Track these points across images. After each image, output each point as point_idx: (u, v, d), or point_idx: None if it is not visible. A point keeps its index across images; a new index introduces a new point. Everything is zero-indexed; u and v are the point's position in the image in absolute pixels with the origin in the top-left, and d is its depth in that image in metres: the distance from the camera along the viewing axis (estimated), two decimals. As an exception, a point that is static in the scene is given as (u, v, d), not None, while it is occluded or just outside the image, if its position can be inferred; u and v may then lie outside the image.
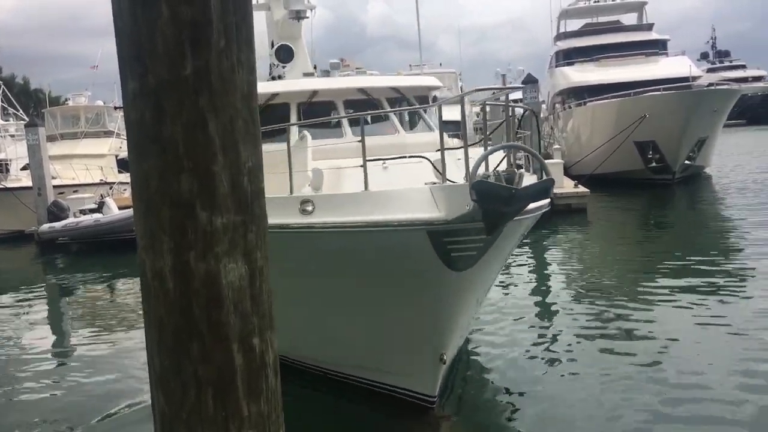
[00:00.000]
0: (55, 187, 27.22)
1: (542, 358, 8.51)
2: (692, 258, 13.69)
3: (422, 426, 6.85)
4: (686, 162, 27.21)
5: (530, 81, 25.38)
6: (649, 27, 39.20)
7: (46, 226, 24.36)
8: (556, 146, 30.37)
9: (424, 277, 6.17)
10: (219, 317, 2.16)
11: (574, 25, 42.93)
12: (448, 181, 6.32)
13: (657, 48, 36.83)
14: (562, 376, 7.83)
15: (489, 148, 5.64)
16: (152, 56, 2.09)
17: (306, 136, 8.22)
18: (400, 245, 6.00)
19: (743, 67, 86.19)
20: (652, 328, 9.22)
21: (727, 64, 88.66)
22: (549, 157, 25.85)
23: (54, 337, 12.28)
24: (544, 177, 5.38)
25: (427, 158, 7.33)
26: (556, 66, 38.79)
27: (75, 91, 40.09)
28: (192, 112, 2.10)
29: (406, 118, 10.02)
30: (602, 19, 42.09)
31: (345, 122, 9.05)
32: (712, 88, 29.10)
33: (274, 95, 9.36)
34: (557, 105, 38.39)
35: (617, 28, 39.96)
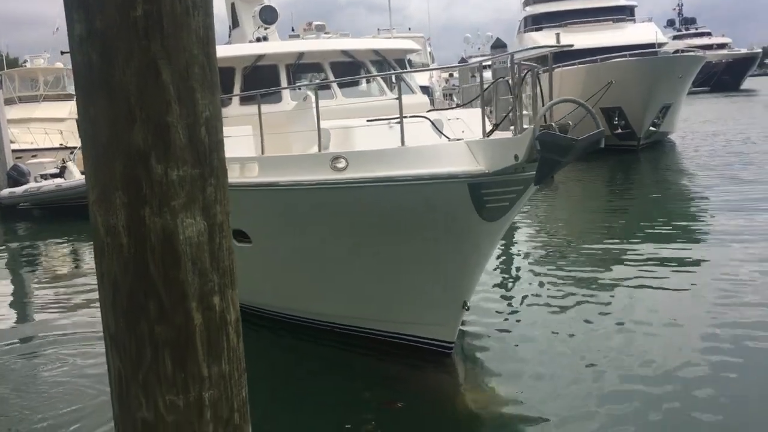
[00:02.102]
0: (13, 151, 26.44)
1: (517, 313, 8.89)
2: (655, 221, 13.92)
3: (443, 371, 7.17)
4: (651, 128, 27.48)
5: (499, 46, 25.25)
6: (618, -7, 39.23)
7: (5, 191, 23.69)
8: (525, 112, 30.36)
9: (458, 228, 6.53)
10: (176, 275, 2.07)
11: (543, -10, 42.76)
12: (444, 137, 7.02)
13: (624, 14, 36.94)
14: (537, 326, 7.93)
15: (547, 102, 5.81)
16: (100, -3, 1.95)
17: (309, 96, 8.23)
18: (438, 198, 6.28)
19: (708, 34, 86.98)
20: (617, 292, 9.38)
21: (692, 31, 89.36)
22: (497, 124, 25.73)
23: (16, 304, 12.00)
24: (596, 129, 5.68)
25: (427, 117, 7.58)
26: (525, 31, 38.71)
27: (33, 54, 38.78)
28: (143, 57, 1.97)
29: (392, 80, 10.17)
30: (571, -16, 41.98)
31: (335, 84, 9.22)
32: (678, 54, 29.33)
33: (261, 56, 9.38)
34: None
35: (586, -7, 39.92)
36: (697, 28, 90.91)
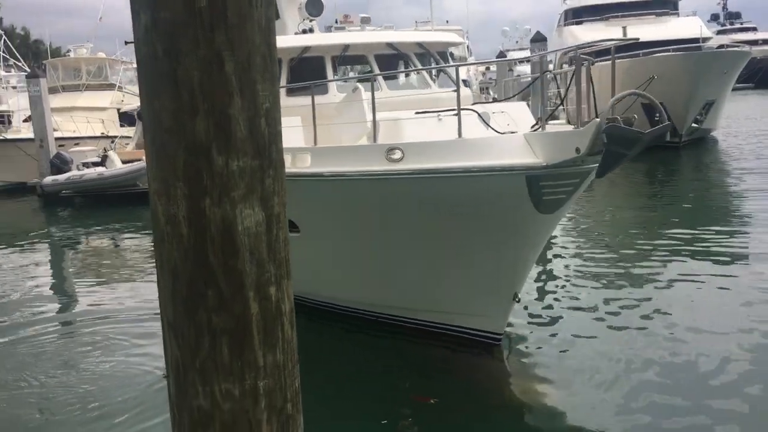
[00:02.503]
0: (56, 139, 27.02)
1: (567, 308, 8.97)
2: (697, 220, 13.76)
3: (491, 361, 7.30)
4: (693, 125, 26.91)
5: (539, 39, 25.01)
6: (661, -14, 38.42)
7: (49, 179, 24.24)
8: (563, 107, 30.00)
9: (514, 220, 6.58)
10: (235, 264, 2.09)
11: (584, -17, 42.11)
12: (491, 130, 7.14)
13: (668, 8, 36.21)
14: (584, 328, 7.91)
15: (615, 95, 5.85)
16: (166, -12, 1.97)
17: (359, 88, 8.39)
18: (495, 190, 6.33)
19: (754, 29, 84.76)
20: (661, 290, 9.34)
21: (737, 26, 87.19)
22: (555, 118, 25.52)
23: (58, 291, 12.29)
24: (663, 123, 5.89)
25: (475, 110, 7.64)
26: (565, 25, 38.21)
27: (76, 43, 39.52)
28: (207, 49, 1.99)
29: (434, 73, 10.28)
30: (613, -23, 41.24)
31: (380, 77, 9.27)
32: (722, 50, 28.64)
33: (307, 48, 9.51)
34: (565, 65, 37.89)
35: (628, -14, 39.18)
36: (742, 23, 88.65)
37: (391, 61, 10.17)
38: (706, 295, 9.03)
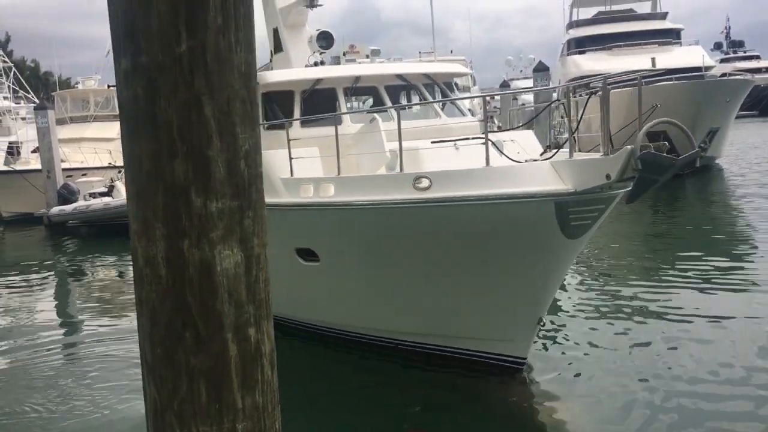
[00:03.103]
0: (63, 170, 27.24)
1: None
2: (704, 249, 13.67)
3: (515, 386, 7.32)
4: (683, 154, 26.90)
5: (541, 69, 25.18)
6: (663, 16, 38.76)
7: (56, 209, 24.41)
8: (566, 135, 30.12)
9: (541, 246, 6.66)
10: (213, 306, 2.09)
11: (587, 13, 42.53)
12: (505, 157, 7.28)
13: (671, 37, 36.45)
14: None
15: (647, 124, 5.99)
16: (146, 34, 2.01)
17: (376, 119, 8.58)
18: (524, 216, 6.42)
19: (757, 57, 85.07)
20: (664, 323, 9.31)
21: (740, 54, 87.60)
22: (558, 146, 25.61)
23: (63, 320, 12.30)
24: (692, 150, 6.03)
25: (490, 139, 7.76)
26: (568, 54, 38.46)
27: (85, 75, 40.02)
28: (186, 93, 2.02)
29: (441, 103, 10.59)
30: (615, 7, 41.66)
31: (392, 108, 9.47)
32: (725, 78, 28.77)
33: (319, 80, 9.73)
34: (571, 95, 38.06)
35: (630, 16, 39.55)
36: (745, 51, 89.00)
37: (400, 91, 10.42)
38: (719, 324, 9.03)
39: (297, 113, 9.48)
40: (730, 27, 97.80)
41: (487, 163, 6.73)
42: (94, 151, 30.85)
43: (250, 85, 2.14)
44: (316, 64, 10.97)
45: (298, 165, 8.28)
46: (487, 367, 7.60)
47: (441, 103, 10.44)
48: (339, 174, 7.81)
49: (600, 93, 6.81)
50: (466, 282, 7.25)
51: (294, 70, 10.60)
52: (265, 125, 9.64)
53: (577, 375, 7.57)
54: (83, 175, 28.33)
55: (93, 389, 8.07)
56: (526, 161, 7.45)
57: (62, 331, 11.29)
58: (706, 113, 25.16)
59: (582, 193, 6.15)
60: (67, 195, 25.00)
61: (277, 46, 11.81)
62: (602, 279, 11.85)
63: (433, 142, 7.88)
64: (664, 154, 5.66)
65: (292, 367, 8.77)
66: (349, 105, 10.56)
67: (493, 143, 7.62)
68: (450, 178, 6.76)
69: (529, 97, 34.29)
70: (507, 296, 7.13)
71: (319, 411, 7.24)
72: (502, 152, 7.54)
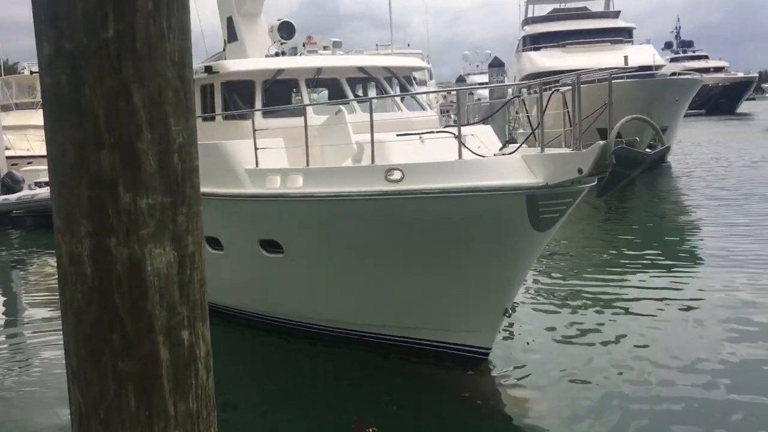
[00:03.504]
0: (8, 158, 26.32)
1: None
2: (651, 241, 14.26)
3: (479, 377, 7.45)
4: (647, 150, 27.49)
5: (496, 64, 25.35)
6: (616, 15, 39.45)
7: (-1, 198, 23.56)
8: (521, 131, 30.46)
9: (510, 238, 6.76)
10: (143, 307, 1.98)
11: (542, 10, 43.02)
12: (469, 151, 7.28)
13: (622, 36, 37.11)
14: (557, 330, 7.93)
15: (620, 121, 6.17)
16: (70, 17, 1.88)
17: (342, 111, 8.55)
18: (495, 208, 6.51)
19: (705, 57, 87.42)
20: (627, 309, 9.70)
21: (690, 54, 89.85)
22: (514, 141, 25.86)
23: (5, 312, 11.85)
24: (660, 146, 6.39)
25: (453, 133, 7.80)
26: (523, 50, 38.84)
27: (32, 60, 38.70)
28: (114, 80, 1.89)
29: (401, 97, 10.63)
30: (570, 5, 42.25)
31: (353, 101, 9.57)
32: (675, 77, 29.42)
33: (280, 71, 9.63)
34: (523, 90, 38.49)
35: (584, 14, 40.14)
36: (694, 51, 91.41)
37: (361, 84, 10.47)
38: (669, 310, 9.50)
39: (258, 103, 9.37)
40: (680, 27, 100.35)
41: (460, 156, 6.82)
42: (41, 139, 29.88)
43: (185, 74, 2.02)
44: (277, 54, 10.85)
45: (262, 156, 8.19)
46: (452, 358, 7.68)
47: (401, 97, 10.48)
48: (308, 165, 7.76)
49: (562, 90, 6.96)
50: (434, 273, 7.31)
51: (255, 59, 10.46)
52: (224, 115, 9.53)
53: (540, 363, 7.77)
54: (29, 163, 27.38)
55: (17, 393, 7.75)
56: (495, 155, 7.59)
57: (2, 324, 10.87)
58: (655, 112, 25.67)
59: (553, 187, 6.29)
60: (11, 184, 24.12)
61: (231, 36, 11.56)
62: (562, 272, 12.12)
63: (398, 135, 7.90)
64: (638, 150, 5.91)
65: (255, 360, 8.67)
66: (312, 96, 10.46)
67: (456, 137, 7.63)
68: (422, 171, 6.82)
69: (484, 93, 34.50)
70: (474, 287, 7.21)
71: (280, 404, 7.20)
72: (465, 146, 7.57)
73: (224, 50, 11.78)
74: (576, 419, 6.43)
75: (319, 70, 9.91)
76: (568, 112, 7.07)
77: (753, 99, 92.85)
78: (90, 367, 2.00)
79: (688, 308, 9.47)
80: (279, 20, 11.05)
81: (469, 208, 6.60)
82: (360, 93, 10.69)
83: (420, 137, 7.95)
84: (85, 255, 1.95)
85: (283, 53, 10.95)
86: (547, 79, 9.26)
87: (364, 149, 7.76)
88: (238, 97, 9.59)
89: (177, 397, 2.03)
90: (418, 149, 7.66)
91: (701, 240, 14.55)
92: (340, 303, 8.18)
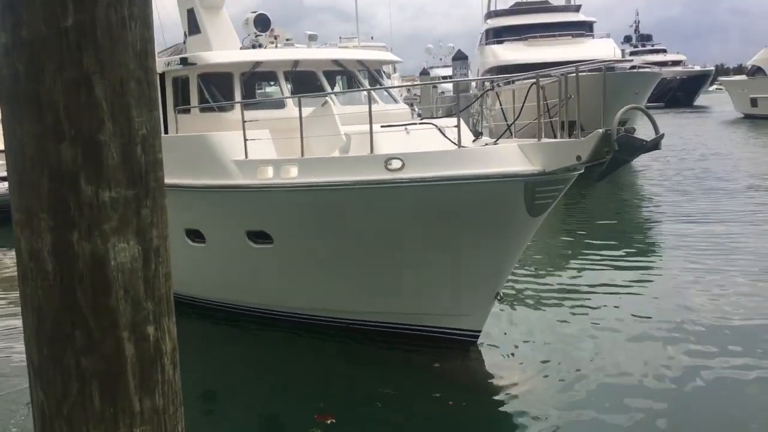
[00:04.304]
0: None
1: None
2: (610, 231, 14.82)
3: (470, 357, 7.71)
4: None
5: (460, 57, 25.47)
6: (577, 8, 39.95)
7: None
8: (485, 124, 30.66)
9: (505, 223, 7.02)
10: (107, 303, 1.93)
11: (505, 3, 43.32)
12: (449, 141, 7.51)
13: (583, 29, 37.61)
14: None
15: (621, 109, 6.53)
16: (28, 5, 1.82)
17: (328, 102, 8.63)
18: (494, 195, 6.75)
19: (664, 51, 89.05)
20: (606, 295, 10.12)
21: (649, 47, 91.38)
22: (478, 134, 26.02)
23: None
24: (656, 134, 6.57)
25: (435, 125, 8.18)
26: (486, 44, 39.10)
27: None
28: (74, 71, 1.84)
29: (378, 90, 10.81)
30: (532, -2, 42.57)
31: (334, 94, 9.75)
32: (634, 71, 29.89)
33: (258, 63, 9.76)
34: (486, 83, 38.74)
35: (546, 8, 40.56)
36: (653, 45, 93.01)
37: (336, 76, 10.64)
38: (656, 289, 10.15)
39: (238, 95, 9.47)
40: (639, 21, 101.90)
41: (459, 144, 7.08)
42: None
43: (147, 64, 1.98)
44: (254, 46, 10.86)
45: (250, 147, 8.24)
46: (443, 341, 7.88)
47: (379, 91, 10.65)
48: (303, 156, 7.82)
49: (544, 83, 7.32)
50: (429, 260, 7.48)
51: (233, 51, 10.49)
52: (201, 108, 9.54)
53: (528, 344, 8.09)
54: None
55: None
56: (508, 143, 7.80)
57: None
58: (615, 104, 26.07)
59: (551, 174, 6.58)
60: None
61: (193, 28, 11.36)
62: (548, 256, 12.76)
63: (382, 126, 8.00)
64: (638, 137, 6.25)
65: (241, 353, 8.63)
66: (290, 88, 10.45)
67: (438, 128, 7.98)
68: (422, 160, 7.02)
69: (448, 86, 34.63)
70: (468, 272, 7.42)
71: (268, 394, 7.30)
72: (446, 136, 7.86)
73: (184, 42, 11.58)
74: (565, 401, 6.68)
75: (296, 62, 10.04)
76: (546, 104, 7.45)
77: (711, 92, 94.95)
78: (52, 365, 1.95)
79: (675, 289, 10.05)
80: (253, 12, 11.03)
81: (470, 195, 6.84)
82: (339, 86, 10.89)
83: (405, 128, 8.14)
84: (45, 251, 1.90)
85: (260, 45, 10.94)
86: (530, 73, 9.57)
87: (353, 140, 7.94)
88: (216, 89, 9.64)
89: (143, 393, 2.00)
90: (404, 140, 7.85)
91: (660, 231, 14.92)
92: (330, 290, 8.28)
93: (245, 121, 8.13)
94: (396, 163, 7.03)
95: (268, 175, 7.90)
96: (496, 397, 6.90)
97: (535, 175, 6.60)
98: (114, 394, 1.96)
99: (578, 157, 6.30)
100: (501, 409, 6.70)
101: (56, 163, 1.86)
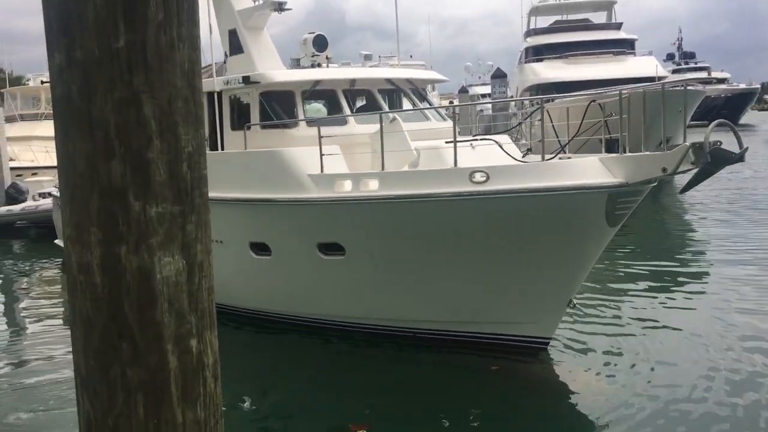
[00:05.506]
0: (12, 169, 26.40)
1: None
2: (653, 255, 14.20)
3: (538, 366, 7.89)
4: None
5: (499, 76, 25.43)
6: (618, 26, 39.60)
7: (3, 209, 23.59)
8: (523, 141, 30.50)
9: (586, 233, 7.29)
10: (152, 316, 1.98)
11: (545, 21, 43.19)
12: (510, 157, 8.12)
13: (625, 47, 37.23)
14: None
15: (711, 124, 6.71)
16: (81, 27, 1.90)
17: (397, 119, 9.02)
18: (577, 206, 7.00)
19: (707, 69, 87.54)
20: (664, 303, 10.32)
21: (692, 65, 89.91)
22: (528, 150, 25.88)
23: (8, 323, 11.85)
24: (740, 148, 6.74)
25: (495, 141, 8.58)
26: (526, 62, 38.95)
27: (37, 72, 38.90)
28: (125, 90, 1.90)
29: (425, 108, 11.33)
30: (572, 16, 42.41)
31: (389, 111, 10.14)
32: (678, 89, 29.42)
33: (318, 82, 10.28)
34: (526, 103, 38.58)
35: (586, 26, 40.29)
36: (696, 63, 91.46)
37: (389, 94, 11.14)
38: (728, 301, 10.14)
39: (300, 112, 10.01)
40: (682, 39, 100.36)
41: (543, 158, 7.43)
42: (45, 150, 29.99)
43: (194, 83, 2.04)
44: (313, 65, 11.25)
45: (325, 162, 8.61)
46: (513, 349, 8.07)
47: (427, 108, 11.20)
48: (383, 169, 8.10)
49: (600, 102, 7.46)
50: (507, 269, 7.68)
51: (295, 71, 11.02)
52: (262, 125, 9.94)
53: (597, 353, 8.17)
54: (33, 174, 27.46)
55: (26, 403, 7.74)
56: (588, 157, 8.04)
57: (6, 335, 10.87)
58: (658, 123, 25.68)
59: (634, 185, 6.87)
60: (15, 194, 24.18)
61: (235, 48, 11.61)
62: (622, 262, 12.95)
63: (446, 143, 8.24)
64: (729, 150, 6.47)
65: (314, 365, 8.72)
66: (305, 108, 10.72)
67: (499, 144, 8.36)
68: (505, 173, 7.29)
69: (486, 105, 34.57)
70: (545, 280, 7.61)
71: (337, 403, 7.47)
72: (506, 152, 8.23)
73: (225, 62, 11.87)
74: (632, 408, 6.74)
75: (353, 81, 10.54)
76: (606, 120, 8.02)
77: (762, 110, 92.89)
78: (99, 376, 2.00)
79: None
80: (311, 33, 11.48)
81: (555, 206, 7.05)
82: (393, 104, 11.36)
83: (471, 144, 8.48)
84: (94, 264, 1.96)
85: (319, 65, 11.33)
86: (648, 85, 10.13)
87: (421, 155, 8.32)
88: (279, 106, 10.10)
89: (185, 405, 2.04)
90: (470, 154, 8.11)
91: (701, 252, 14.63)
92: (402, 301, 8.46)
93: (321, 137, 8.43)
94: (480, 176, 7.27)
95: (346, 188, 8.18)
96: (566, 401, 7.09)
97: (618, 186, 6.84)
98: (158, 406, 2.00)
99: (664, 169, 6.60)
100: (566, 412, 6.88)
101: (106, 179, 1.92)
